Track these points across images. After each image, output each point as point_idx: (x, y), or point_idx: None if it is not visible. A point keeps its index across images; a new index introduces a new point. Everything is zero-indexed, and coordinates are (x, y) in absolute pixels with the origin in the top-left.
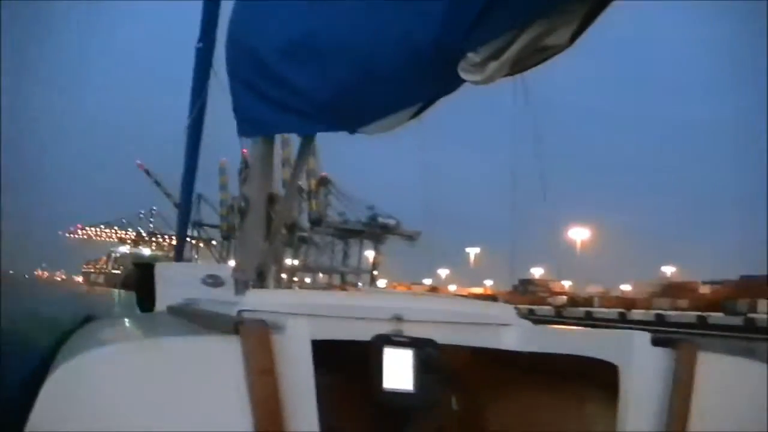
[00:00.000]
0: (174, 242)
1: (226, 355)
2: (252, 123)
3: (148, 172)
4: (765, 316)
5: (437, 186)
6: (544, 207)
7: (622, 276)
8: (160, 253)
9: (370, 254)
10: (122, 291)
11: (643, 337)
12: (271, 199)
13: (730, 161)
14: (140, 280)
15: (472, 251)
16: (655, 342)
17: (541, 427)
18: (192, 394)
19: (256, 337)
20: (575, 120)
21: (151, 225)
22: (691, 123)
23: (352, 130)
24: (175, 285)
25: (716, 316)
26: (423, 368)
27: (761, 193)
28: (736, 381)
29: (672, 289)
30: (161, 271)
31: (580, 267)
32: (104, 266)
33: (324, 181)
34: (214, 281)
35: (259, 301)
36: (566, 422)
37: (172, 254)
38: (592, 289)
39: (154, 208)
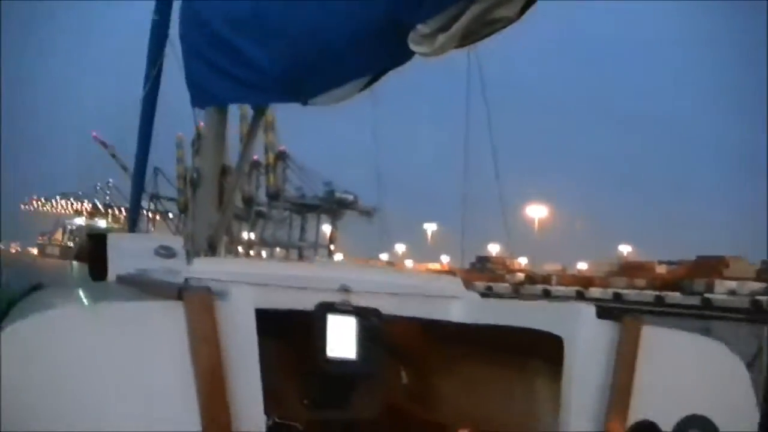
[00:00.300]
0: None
1: (169, 320)
2: (204, 94)
3: (104, 144)
4: (722, 296)
5: (393, 160)
6: (504, 183)
7: (579, 254)
8: (115, 225)
9: (328, 229)
10: (76, 263)
11: (588, 310)
12: (224, 171)
13: (688, 150)
14: (93, 250)
15: (429, 227)
16: (600, 315)
17: (487, 398)
18: (135, 358)
19: (200, 304)
20: (540, 104)
21: (108, 197)
22: (652, 113)
23: (304, 102)
24: (127, 255)
25: (673, 296)
26: (367, 337)
27: (719, 181)
28: (680, 354)
29: (629, 269)
30: (114, 241)
31: (537, 245)
32: (59, 238)
33: (282, 156)
34: (167, 252)
35: (205, 269)
36: (512, 394)
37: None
38: (550, 267)
39: (110, 180)
